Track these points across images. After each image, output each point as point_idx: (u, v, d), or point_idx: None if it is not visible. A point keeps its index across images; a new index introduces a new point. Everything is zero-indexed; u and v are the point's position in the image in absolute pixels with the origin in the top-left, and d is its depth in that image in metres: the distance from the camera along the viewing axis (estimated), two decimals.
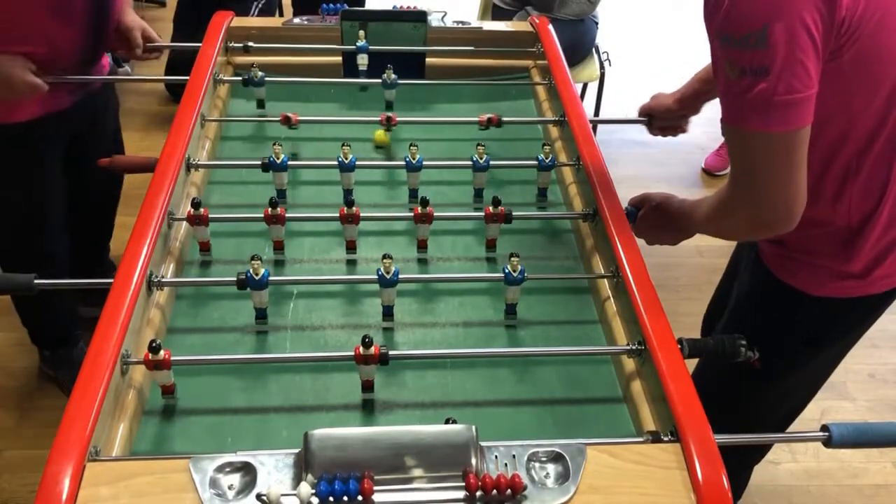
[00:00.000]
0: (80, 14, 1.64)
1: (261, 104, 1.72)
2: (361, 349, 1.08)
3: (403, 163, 1.49)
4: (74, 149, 1.87)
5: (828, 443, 1.03)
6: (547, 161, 1.50)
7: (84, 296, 2.09)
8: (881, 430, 1.06)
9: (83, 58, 1.72)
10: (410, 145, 1.50)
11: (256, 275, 1.19)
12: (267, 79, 1.82)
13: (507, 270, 1.24)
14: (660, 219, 1.42)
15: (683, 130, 1.74)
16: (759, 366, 1.26)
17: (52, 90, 1.65)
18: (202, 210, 1.31)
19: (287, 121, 1.59)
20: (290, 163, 1.46)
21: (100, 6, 1.68)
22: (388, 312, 1.26)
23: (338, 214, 1.33)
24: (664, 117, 1.69)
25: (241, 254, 1.37)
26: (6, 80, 1.56)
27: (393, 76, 1.72)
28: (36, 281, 1.18)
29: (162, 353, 1.06)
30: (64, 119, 1.77)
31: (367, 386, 1.13)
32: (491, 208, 1.36)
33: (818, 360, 1.47)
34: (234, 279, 1.21)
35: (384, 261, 1.21)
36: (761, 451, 1.76)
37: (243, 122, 1.71)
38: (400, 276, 1.22)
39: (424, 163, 1.49)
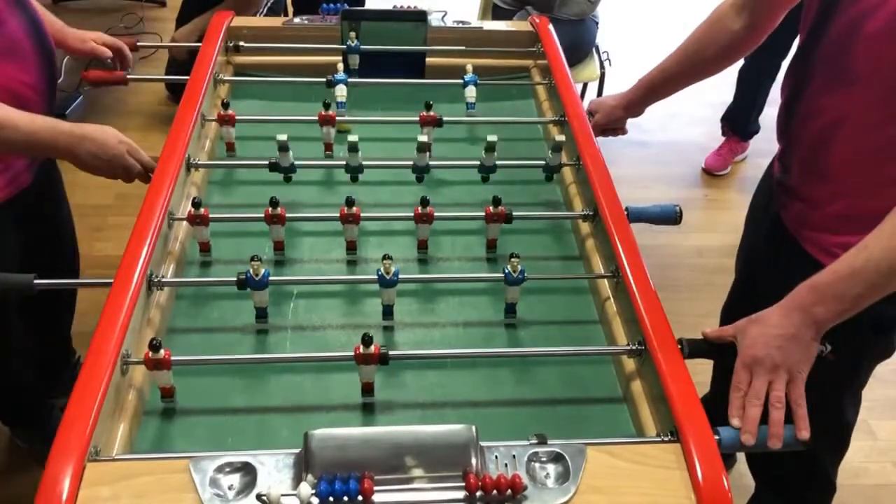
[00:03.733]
0: (30, 52, 1.44)
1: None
2: (361, 348, 1.08)
3: (410, 163, 1.49)
4: (33, 230, 1.63)
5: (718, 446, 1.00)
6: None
7: (52, 387, 1.95)
8: (766, 434, 1.04)
9: (46, 104, 1.51)
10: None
11: (256, 275, 1.19)
12: (268, 78, 1.82)
13: (507, 271, 1.24)
14: (766, 320, 1.11)
15: (624, 132, 1.75)
16: (833, 358, 1.22)
17: (13, 164, 1.48)
18: (202, 210, 1.31)
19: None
20: (295, 162, 1.46)
21: (40, 37, 1.48)
22: (388, 312, 1.26)
23: (338, 214, 1.33)
24: (606, 121, 1.71)
25: (241, 254, 1.37)
26: (111, 153, 1.39)
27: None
28: (36, 281, 1.17)
29: (162, 352, 1.06)
30: (25, 198, 1.54)
31: (367, 389, 1.13)
32: (491, 208, 1.36)
33: (876, 351, 1.44)
34: (235, 279, 1.21)
35: (384, 262, 1.21)
36: (839, 448, 1.64)
37: (243, 122, 1.70)
38: (400, 276, 1.22)
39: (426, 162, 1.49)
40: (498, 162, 1.51)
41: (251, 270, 1.20)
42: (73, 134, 1.36)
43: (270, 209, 1.32)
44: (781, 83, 1.42)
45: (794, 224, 1.40)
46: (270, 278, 1.21)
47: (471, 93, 1.72)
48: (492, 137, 1.45)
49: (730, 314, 1.79)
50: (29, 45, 1.43)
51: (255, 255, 1.20)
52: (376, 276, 1.22)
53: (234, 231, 1.42)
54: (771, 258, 1.51)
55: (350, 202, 1.32)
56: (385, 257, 1.22)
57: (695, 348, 1.13)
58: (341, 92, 1.68)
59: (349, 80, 1.68)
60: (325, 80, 1.69)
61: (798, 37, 1.35)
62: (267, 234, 1.37)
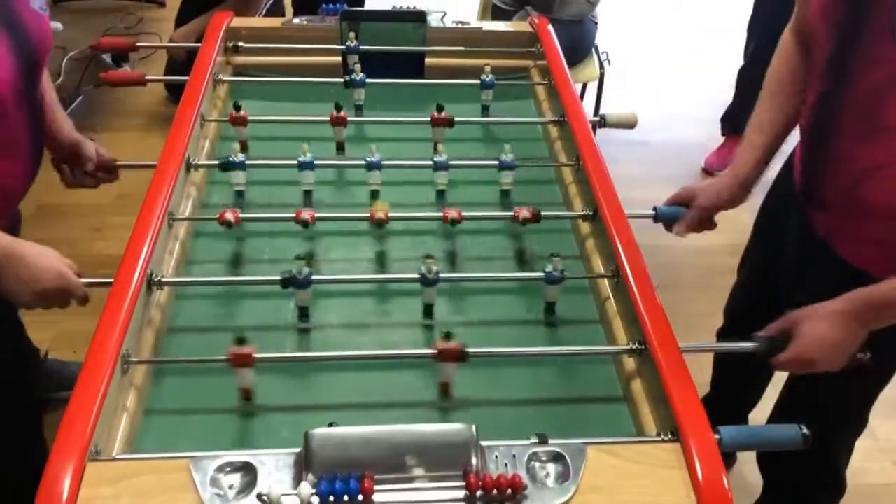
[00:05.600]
0: (26, 147, 1.34)
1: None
2: (440, 343, 1.08)
3: (431, 162, 1.50)
4: None
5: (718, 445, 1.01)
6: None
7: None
8: (767, 434, 1.07)
9: (26, 191, 1.41)
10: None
11: (300, 274, 1.20)
12: (267, 79, 1.82)
13: (548, 269, 1.25)
14: (833, 326, 1.15)
15: (714, 225, 1.46)
16: (871, 364, 1.23)
17: None
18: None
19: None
20: (324, 162, 1.49)
21: (37, 133, 1.38)
22: (428, 312, 1.27)
23: (337, 215, 1.33)
24: (713, 207, 1.42)
25: (242, 254, 1.37)
26: (38, 276, 1.16)
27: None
28: None
29: (247, 347, 1.06)
30: None
31: (444, 389, 1.13)
32: (522, 212, 1.36)
33: None
34: (237, 279, 1.21)
35: (426, 260, 1.22)
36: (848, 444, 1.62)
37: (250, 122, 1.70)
38: (400, 276, 1.22)
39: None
40: (490, 162, 1.52)
41: (294, 269, 1.20)
42: (7, 252, 1.15)
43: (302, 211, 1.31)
44: (801, 120, 1.35)
45: (826, 232, 1.34)
46: (270, 278, 1.21)
47: (488, 96, 1.73)
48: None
49: (746, 318, 1.72)
50: (26, 141, 1.33)
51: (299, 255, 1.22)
52: (383, 277, 1.22)
53: (234, 231, 1.42)
54: (798, 262, 1.45)
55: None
56: (427, 256, 1.22)
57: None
58: (360, 95, 1.68)
59: (347, 79, 1.68)
60: (342, 80, 1.69)
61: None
62: (267, 234, 1.37)
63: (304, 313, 1.25)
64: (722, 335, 1.83)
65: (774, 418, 1.63)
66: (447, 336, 1.09)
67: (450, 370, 1.11)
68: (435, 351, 1.10)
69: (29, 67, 1.28)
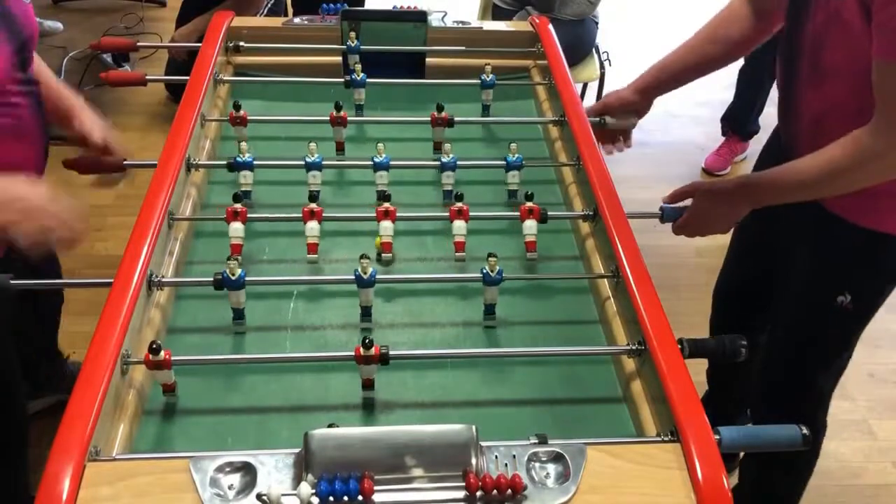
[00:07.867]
0: (33, 128, 1.42)
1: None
2: (362, 349, 1.08)
3: (438, 162, 1.50)
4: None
5: (717, 446, 1.00)
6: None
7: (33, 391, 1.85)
8: (767, 434, 1.06)
9: (39, 176, 1.48)
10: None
11: (233, 275, 1.19)
12: (267, 79, 1.82)
13: (485, 271, 1.23)
14: (717, 201, 1.39)
15: (628, 144, 1.72)
16: (851, 307, 1.36)
17: None
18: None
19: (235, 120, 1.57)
20: (325, 162, 1.47)
21: (43, 120, 1.47)
22: (366, 314, 1.25)
23: (337, 215, 1.33)
24: (620, 111, 1.66)
25: (242, 254, 1.37)
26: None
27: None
28: (12, 281, 1.16)
29: (162, 353, 1.06)
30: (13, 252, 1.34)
31: (367, 384, 1.13)
32: (527, 205, 1.38)
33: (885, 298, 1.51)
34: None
35: (361, 261, 1.20)
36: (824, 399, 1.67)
37: (250, 122, 1.70)
38: (404, 277, 1.22)
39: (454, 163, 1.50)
40: (496, 162, 1.52)
41: (227, 270, 1.19)
42: None
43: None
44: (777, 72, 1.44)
45: None
46: (272, 278, 1.21)
47: (489, 95, 1.72)
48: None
49: (739, 293, 1.79)
50: (34, 126, 1.42)
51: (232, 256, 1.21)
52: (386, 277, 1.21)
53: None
54: (796, 224, 1.50)
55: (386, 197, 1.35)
56: (362, 256, 1.21)
57: (695, 348, 1.14)
58: (360, 95, 1.68)
59: (347, 79, 1.68)
60: (342, 80, 1.69)
61: None
62: (268, 234, 1.37)
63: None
64: (714, 322, 1.86)
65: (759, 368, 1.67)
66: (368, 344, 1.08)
67: (370, 370, 1.11)
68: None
69: (23, 55, 1.35)
